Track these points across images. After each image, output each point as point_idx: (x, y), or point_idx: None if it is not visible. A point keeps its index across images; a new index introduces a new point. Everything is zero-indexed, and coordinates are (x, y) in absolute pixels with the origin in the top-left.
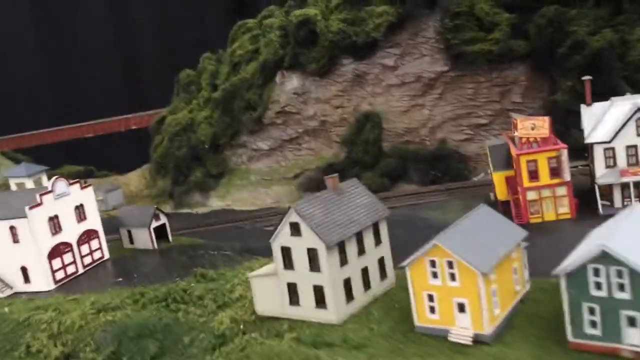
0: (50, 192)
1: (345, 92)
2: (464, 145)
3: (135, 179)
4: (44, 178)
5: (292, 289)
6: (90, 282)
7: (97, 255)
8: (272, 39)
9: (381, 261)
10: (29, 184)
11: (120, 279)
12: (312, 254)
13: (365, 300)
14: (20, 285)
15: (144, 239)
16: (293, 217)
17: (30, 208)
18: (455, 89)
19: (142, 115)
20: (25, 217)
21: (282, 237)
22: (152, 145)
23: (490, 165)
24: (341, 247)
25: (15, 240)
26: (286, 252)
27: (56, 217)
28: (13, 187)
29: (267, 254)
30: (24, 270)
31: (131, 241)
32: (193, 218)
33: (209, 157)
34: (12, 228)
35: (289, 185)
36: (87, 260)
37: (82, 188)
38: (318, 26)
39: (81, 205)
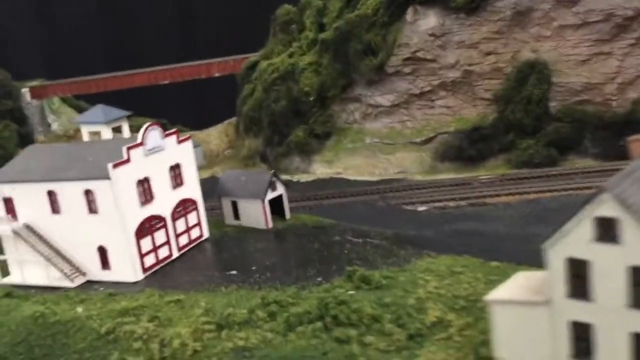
0: (139, 144)
1: (501, 34)
2: None
3: (216, 136)
4: (125, 127)
5: (580, 333)
6: (191, 274)
7: (194, 233)
8: None
9: None
10: (106, 133)
11: (234, 272)
12: (637, 277)
13: None
14: (96, 272)
15: (254, 214)
16: (604, 207)
17: (115, 166)
18: None
19: (227, 60)
20: (107, 177)
21: (572, 243)
22: (240, 97)
23: None
24: None
25: (92, 209)
26: (578, 268)
27: (147, 180)
28: (85, 137)
29: (433, 247)
30: (102, 251)
31: (236, 216)
32: (295, 187)
33: (314, 113)
34: (87, 193)
35: (418, 152)
36: (183, 240)
37: (179, 142)
38: None
39: (177, 165)
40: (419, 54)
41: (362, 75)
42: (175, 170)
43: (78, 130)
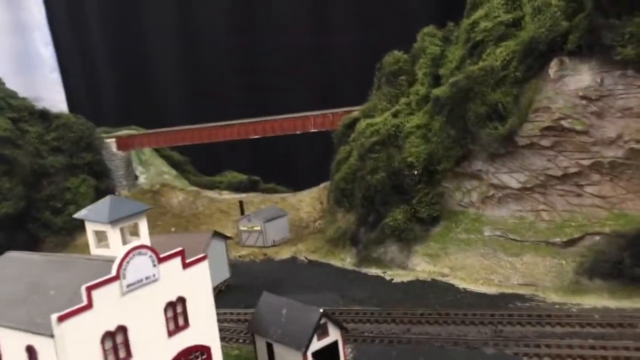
0: (113, 279)
1: None
2: None
3: (308, 202)
4: (143, 227)
5: None
6: None
7: None
8: (548, 3)
9: None
10: (113, 235)
11: None
12: None
13: None
14: None
15: None
16: None
17: (61, 318)
18: None
19: (326, 113)
20: (49, 335)
21: None
22: (335, 161)
23: None
24: None
25: None
26: None
27: (122, 330)
28: (90, 237)
29: None
30: None
31: None
32: (385, 291)
33: (419, 190)
34: (30, 350)
35: (556, 257)
36: None
37: (185, 266)
38: None
39: (180, 299)
40: (564, 123)
41: (483, 145)
42: (176, 308)
43: (164, 186)
